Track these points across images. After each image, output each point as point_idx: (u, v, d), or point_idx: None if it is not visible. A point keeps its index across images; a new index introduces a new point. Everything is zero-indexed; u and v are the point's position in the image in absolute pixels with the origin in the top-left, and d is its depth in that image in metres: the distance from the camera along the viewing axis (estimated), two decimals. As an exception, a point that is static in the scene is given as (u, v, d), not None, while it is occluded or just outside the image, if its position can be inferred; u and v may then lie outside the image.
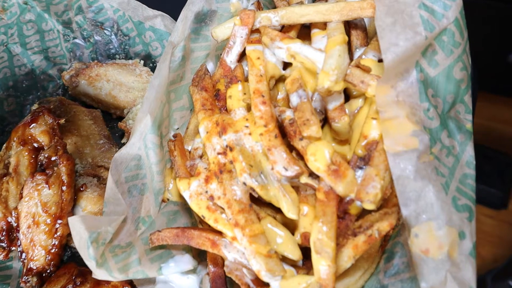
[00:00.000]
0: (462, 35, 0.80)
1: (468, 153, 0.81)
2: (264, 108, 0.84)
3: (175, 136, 1.00)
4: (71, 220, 0.87)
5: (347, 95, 0.90)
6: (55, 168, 1.02)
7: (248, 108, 0.89)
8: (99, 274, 0.85)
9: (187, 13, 0.97)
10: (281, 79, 0.94)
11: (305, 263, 0.87)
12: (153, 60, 1.31)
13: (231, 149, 0.87)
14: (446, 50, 0.79)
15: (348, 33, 0.92)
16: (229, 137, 0.87)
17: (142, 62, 1.29)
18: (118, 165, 0.95)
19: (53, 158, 1.03)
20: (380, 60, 0.89)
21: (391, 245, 0.86)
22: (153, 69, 1.29)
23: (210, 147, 0.89)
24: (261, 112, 0.84)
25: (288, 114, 0.85)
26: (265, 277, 0.78)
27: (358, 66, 0.83)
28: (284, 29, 0.94)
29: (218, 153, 0.88)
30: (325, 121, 0.90)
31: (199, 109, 0.93)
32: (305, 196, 0.85)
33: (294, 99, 0.84)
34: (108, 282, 0.97)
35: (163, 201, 1.01)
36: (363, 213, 0.81)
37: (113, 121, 1.28)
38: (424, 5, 0.78)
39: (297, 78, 0.85)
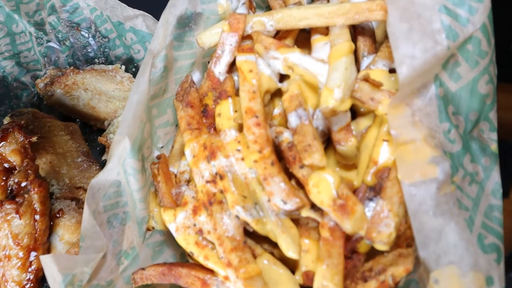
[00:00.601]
0: (489, 42, 0.68)
1: (494, 179, 0.71)
2: (259, 130, 0.72)
3: (158, 157, 0.89)
4: (43, 259, 0.77)
5: (353, 111, 0.78)
6: (26, 196, 0.91)
7: (240, 128, 0.78)
8: (75, 321, 0.76)
9: (168, 17, 0.85)
10: (277, 92, 0.83)
11: (307, 303, 0.77)
12: (135, 64, 1.18)
13: (221, 177, 0.76)
14: (471, 61, 0.68)
15: (353, 38, 0.80)
16: (219, 163, 0.76)
17: (123, 67, 1.16)
18: (96, 193, 0.84)
19: (23, 184, 0.92)
20: (392, 70, 0.77)
21: (404, 283, 0.76)
22: (135, 74, 1.16)
23: (197, 174, 0.78)
24: (254, 135, 0.73)
25: (286, 136, 0.74)
26: (262, 328, 0.69)
27: (366, 79, 0.71)
28: (280, 34, 0.82)
29: (207, 181, 0.77)
30: (328, 141, 0.79)
31: (184, 129, 0.82)
32: (307, 230, 0.75)
33: (293, 120, 0.72)
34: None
35: (148, 229, 0.91)
36: (373, 250, 0.71)
37: (94, 134, 1.17)
38: (445, 8, 0.66)
39: (296, 95, 0.73)
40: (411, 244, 0.73)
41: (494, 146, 0.73)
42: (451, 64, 0.68)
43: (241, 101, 0.75)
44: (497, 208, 0.69)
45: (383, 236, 0.65)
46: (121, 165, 0.83)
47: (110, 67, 1.15)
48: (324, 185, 0.68)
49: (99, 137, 1.07)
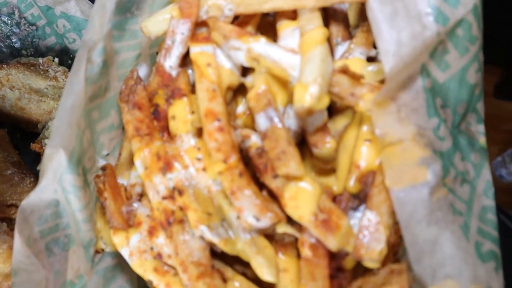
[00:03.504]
0: (479, 26, 0.60)
1: (485, 177, 0.64)
2: (222, 136, 0.61)
3: (103, 168, 0.75)
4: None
5: (328, 107, 0.69)
6: None
7: (199, 133, 0.66)
8: None
9: (105, 2, 0.70)
10: (239, 87, 0.71)
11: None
12: (71, 55, 1.02)
13: (180, 193, 0.64)
14: (460, 48, 0.60)
15: (324, 22, 0.69)
16: (177, 176, 0.65)
17: (56, 59, 1.00)
18: (28, 216, 0.69)
19: None
20: (369, 59, 0.68)
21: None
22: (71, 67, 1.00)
23: (151, 188, 0.66)
24: (217, 142, 0.61)
25: (254, 140, 0.63)
26: None
27: (344, 71, 0.61)
28: (240, 19, 0.70)
29: (163, 198, 0.65)
30: (301, 142, 0.69)
31: (132, 135, 0.69)
32: (283, 245, 0.66)
33: (262, 122, 0.61)
34: None
35: (96, 251, 0.78)
36: (360, 266, 0.63)
37: (25, 139, 1.00)
38: None
39: (264, 92, 0.62)
40: (397, 252, 0.66)
41: (482, 140, 0.66)
42: (439, 51, 0.59)
43: (199, 101, 0.63)
44: (490, 210, 0.63)
45: (373, 253, 0.57)
46: (57, 182, 0.69)
47: (40, 60, 0.98)
48: (303, 197, 0.59)
49: (32, 143, 0.91)
